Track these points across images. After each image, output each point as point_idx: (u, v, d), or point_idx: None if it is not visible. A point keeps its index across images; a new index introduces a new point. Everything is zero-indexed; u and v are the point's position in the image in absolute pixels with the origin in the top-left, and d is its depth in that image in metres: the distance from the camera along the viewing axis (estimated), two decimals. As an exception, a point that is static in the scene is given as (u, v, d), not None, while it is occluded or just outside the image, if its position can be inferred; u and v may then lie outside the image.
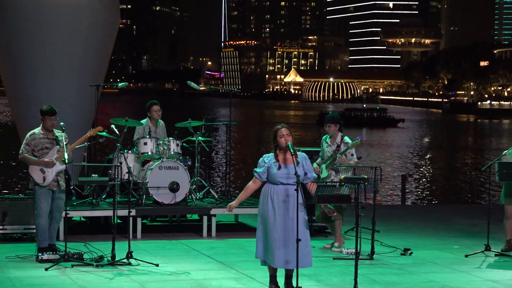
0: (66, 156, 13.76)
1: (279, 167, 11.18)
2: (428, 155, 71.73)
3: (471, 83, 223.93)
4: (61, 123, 13.97)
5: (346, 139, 15.28)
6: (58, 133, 14.01)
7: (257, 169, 11.39)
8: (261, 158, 11.45)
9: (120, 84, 20.36)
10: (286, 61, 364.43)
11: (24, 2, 20.17)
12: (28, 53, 20.25)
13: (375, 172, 14.53)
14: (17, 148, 15.48)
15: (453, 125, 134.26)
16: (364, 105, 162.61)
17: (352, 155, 15.24)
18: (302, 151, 12.71)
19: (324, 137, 15.51)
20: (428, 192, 44.23)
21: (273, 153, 11.37)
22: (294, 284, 11.37)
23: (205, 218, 16.78)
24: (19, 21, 20.24)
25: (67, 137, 14.07)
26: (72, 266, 13.47)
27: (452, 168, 60.27)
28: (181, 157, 17.00)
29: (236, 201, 11.72)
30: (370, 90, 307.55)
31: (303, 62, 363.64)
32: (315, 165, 15.07)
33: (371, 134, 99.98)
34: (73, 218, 16.32)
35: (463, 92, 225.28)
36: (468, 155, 72.60)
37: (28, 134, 14.04)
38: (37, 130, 13.99)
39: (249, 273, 13.09)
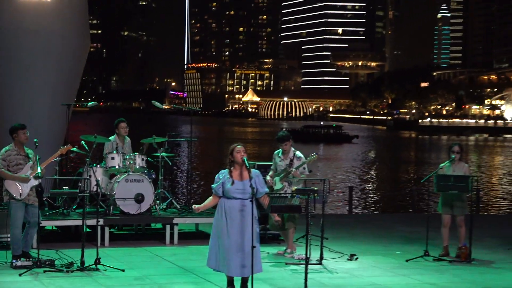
0: (39, 170, 13.72)
1: (233, 183, 11.24)
2: (374, 168, 72.00)
3: (413, 102, 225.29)
4: (35, 140, 13.91)
5: (298, 153, 15.36)
6: (28, 150, 13.98)
7: (213, 185, 11.44)
8: (217, 175, 11.50)
9: (90, 103, 20.39)
10: (244, 82, 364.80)
11: (2, 28, 20.10)
12: (5, 75, 20.16)
13: (324, 184, 14.59)
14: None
15: (396, 141, 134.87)
16: (322, 123, 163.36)
17: (304, 168, 15.28)
18: (258, 165, 12.78)
19: (276, 152, 15.55)
20: (373, 202, 44.39)
21: (227, 169, 11.42)
22: (249, 288, 11.42)
23: (168, 227, 16.77)
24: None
25: (32, 153, 14.05)
26: (44, 271, 13.41)
27: (395, 180, 60.50)
28: (146, 171, 16.98)
29: (202, 206, 11.74)
30: (321, 108, 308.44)
31: (259, 82, 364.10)
32: (268, 177, 15.11)
33: (328, 149, 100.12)
34: (45, 227, 16.23)
35: (406, 110, 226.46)
36: (410, 168, 72.94)
37: (3, 150, 13.87)
38: (9, 147, 13.85)
39: (208, 277, 13.08)
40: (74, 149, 16.05)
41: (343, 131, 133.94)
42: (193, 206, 11.84)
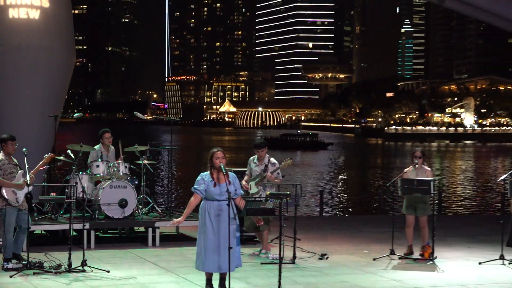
0: (28, 178, 13.69)
1: (214, 185, 11.26)
2: (343, 173, 72.10)
3: (379, 111, 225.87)
4: (23, 149, 13.88)
5: (272, 159, 15.38)
6: (14, 160, 13.99)
7: (197, 186, 11.43)
8: (199, 176, 11.50)
9: (76, 115, 20.38)
10: (221, 93, 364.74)
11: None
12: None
13: (296, 188, 14.60)
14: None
15: (364, 147, 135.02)
16: (299, 131, 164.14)
17: (278, 173, 15.30)
18: (234, 171, 12.80)
19: (251, 158, 15.56)
20: (342, 205, 44.44)
21: (208, 172, 11.46)
22: (227, 286, 11.42)
23: (150, 230, 16.73)
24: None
25: (23, 167, 14.06)
26: (34, 273, 13.36)
27: (362, 184, 60.63)
28: (129, 178, 16.95)
29: (183, 217, 11.71)
30: (293, 117, 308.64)
31: (235, 94, 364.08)
32: (243, 182, 15.12)
33: (304, 156, 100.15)
34: (34, 232, 16.17)
35: (372, 119, 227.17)
36: (377, 172, 73.10)
37: None
38: (1, 157, 13.84)
39: (188, 277, 13.07)
40: (61, 157, 16.01)
41: (319, 139, 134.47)
42: (172, 221, 11.86)
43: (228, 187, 11.14)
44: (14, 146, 13.84)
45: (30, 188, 14.02)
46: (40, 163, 14.73)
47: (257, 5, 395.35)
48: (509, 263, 14.97)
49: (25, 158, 14.04)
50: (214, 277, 11.62)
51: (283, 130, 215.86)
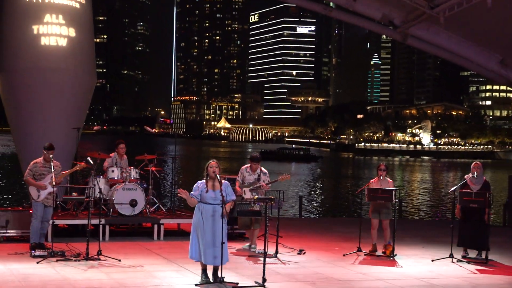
0: (53, 181, 13.90)
1: (207, 191, 11.41)
2: (319, 181, 72.12)
3: (351, 130, 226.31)
4: (50, 156, 14.12)
5: (264, 169, 15.55)
6: (54, 164, 14.19)
7: (193, 192, 11.64)
8: (196, 184, 11.67)
9: (96, 127, 20.35)
10: (218, 112, 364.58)
11: (28, 66, 20.04)
12: (29, 104, 20.10)
13: (279, 194, 14.60)
14: (18, 172, 15.48)
15: (337, 160, 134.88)
16: (293, 146, 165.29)
17: (268, 182, 15.42)
18: (228, 178, 12.88)
19: (244, 167, 15.63)
20: (318, 208, 44.43)
21: (204, 180, 11.59)
22: (219, 275, 11.47)
23: (155, 226, 16.71)
24: (24, 80, 20.09)
25: (60, 166, 14.42)
26: (57, 260, 13.35)
27: (335, 191, 60.63)
28: (138, 181, 16.94)
29: (186, 195, 11.66)
30: (279, 133, 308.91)
31: (230, 112, 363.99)
32: (237, 187, 15.14)
33: (298, 167, 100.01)
34: (58, 225, 16.13)
35: (345, 136, 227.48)
36: (348, 182, 73.13)
37: (32, 163, 14.45)
38: (39, 160, 14.29)
39: (187, 266, 13.05)
40: (80, 163, 16.00)
41: (311, 152, 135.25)
42: (179, 190, 11.85)
43: (222, 193, 11.35)
44: (48, 155, 14.08)
45: (55, 188, 14.16)
46: (71, 169, 15.12)
47: (250, 39, 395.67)
48: (457, 261, 15.02)
49: (51, 163, 14.17)
50: (208, 267, 11.70)
51: (269, 144, 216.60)
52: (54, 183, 14.05)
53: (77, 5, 20.77)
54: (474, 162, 15.90)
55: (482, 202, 14.99)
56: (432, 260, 15.08)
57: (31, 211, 14.86)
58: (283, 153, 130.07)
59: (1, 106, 21.29)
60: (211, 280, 11.70)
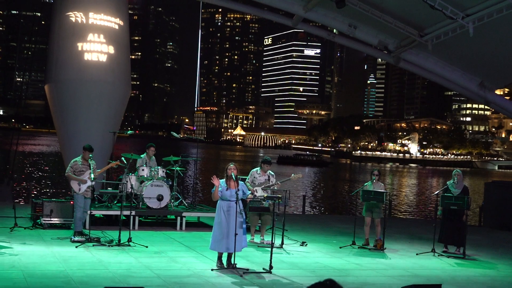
0: (92, 176, 13.97)
1: (227, 189, 11.49)
2: (320, 183, 72.01)
3: (349, 140, 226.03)
4: (90, 155, 14.26)
5: (271, 172, 15.52)
6: (91, 161, 14.27)
7: (219, 188, 11.77)
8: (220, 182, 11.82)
9: (129, 132, 20.51)
10: (235, 121, 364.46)
11: (72, 78, 20.14)
12: (72, 110, 20.19)
13: (285, 193, 14.60)
14: (62, 169, 15.52)
15: (337, 165, 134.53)
16: (307, 152, 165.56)
17: (282, 181, 15.48)
18: (242, 179, 12.94)
19: (255, 169, 15.64)
20: (319, 206, 44.36)
21: (224, 180, 11.69)
22: (233, 262, 11.53)
23: (178, 218, 16.74)
24: (69, 89, 20.20)
25: (96, 164, 14.37)
26: (93, 245, 13.42)
27: (334, 192, 60.52)
28: (165, 179, 16.96)
29: (217, 183, 11.79)
30: (286, 141, 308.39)
31: (245, 122, 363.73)
32: (249, 186, 15.13)
33: (311, 170, 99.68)
34: (95, 215, 16.18)
35: (344, 145, 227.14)
36: (346, 184, 72.98)
37: (72, 161, 14.59)
38: (79, 158, 14.45)
39: (205, 253, 13.07)
40: (114, 162, 16.06)
41: (323, 158, 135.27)
42: (214, 176, 11.90)
43: (237, 192, 11.43)
44: (88, 155, 14.25)
45: (93, 183, 14.29)
46: (107, 166, 15.23)
47: (263, 59, 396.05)
48: (439, 255, 15.01)
49: (90, 161, 14.27)
50: (223, 255, 11.73)
51: (278, 150, 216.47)
52: (92, 178, 14.16)
53: (116, 26, 20.88)
54: (455, 170, 15.93)
55: (461, 205, 15.01)
56: (417, 254, 15.05)
57: (71, 203, 14.95)
58: (299, 159, 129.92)
59: (49, 111, 21.41)
60: (225, 266, 11.74)
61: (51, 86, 20.71)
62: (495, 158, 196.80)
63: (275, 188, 15.32)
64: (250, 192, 12.68)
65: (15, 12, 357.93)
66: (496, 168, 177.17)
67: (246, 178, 15.54)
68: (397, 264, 13.73)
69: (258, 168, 15.61)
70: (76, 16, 20.35)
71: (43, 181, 49.31)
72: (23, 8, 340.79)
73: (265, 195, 14.76)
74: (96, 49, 20.33)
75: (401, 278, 11.96)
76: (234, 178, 11.70)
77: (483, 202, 25.29)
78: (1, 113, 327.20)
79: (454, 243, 15.51)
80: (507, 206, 22.16)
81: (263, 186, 15.25)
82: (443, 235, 15.58)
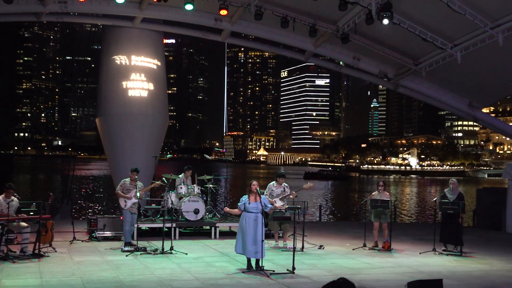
0: (138, 194, 14.04)
1: (249, 203, 11.56)
2: (334, 193, 71.65)
3: (357, 156, 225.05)
4: (136, 176, 14.35)
5: (285, 184, 15.42)
6: (138, 182, 14.36)
7: (239, 204, 11.88)
8: (241, 198, 11.88)
9: (168, 155, 20.68)
10: (258, 143, 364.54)
11: (119, 111, 20.32)
12: (120, 139, 20.35)
13: (304, 204, 14.55)
14: (113, 189, 15.62)
15: (341, 178, 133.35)
16: (330, 168, 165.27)
17: (296, 190, 15.42)
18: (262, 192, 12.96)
19: (271, 183, 15.51)
20: (333, 214, 44.10)
21: (247, 195, 11.74)
22: (260, 265, 11.50)
23: (213, 228, 16.74)
24: (116, 121, 20.40)
25: (142, 185, 14.42)
26: (141, 254, 13.46)
27: (346, 201, 60.17)
28: (200, 195, 16.98)
29: (229, 210, 12.38)
30: (303, 159, 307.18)
31: (267, 143, 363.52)
32: (268, 198, 15.08)
33: (334, 184, 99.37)
34: (141, 228, 16.22)
35: (352, 160, 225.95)
36: (355, 194, 72.51)
37: (122, 180, 14.71)
38: (127, 179, 14.48)
39: (236, 258, 13.03)
40: (156, 182, 16.11)
41: (343, 173, 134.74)
42: (225, 208, 12.10)
43: (261, 204, 11.57)
44: (134, 176, 14.33)
45: (139, 200, 14.38)
46: (149, 186, 15.28)
47: (281, 89, 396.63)
48: (439, 254, 14.86)
49: (136, 182, 14.34)
50: (252, 259, 11.73)
51: (296, 167, 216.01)
52: (138, 196, 14.22)
53: (155, 67, 21.08)
54: (451, 179, 15.83)
55: (457, 209, 14.93)
56: (420, 253, 14.91)
57: (121, 218, 15.00)
58: (323, 174, 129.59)
59: (100, 140, 21.61)
60: (254, 269, 11.71)
61: (101, 119, 20.90)
62: (485, 168, 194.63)
63: (291, 197, 15.24)
64: (271, 205, 12.66)
65: (69, 57, 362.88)
66: (486, 176, 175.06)
67: (264, 192, 15.56)
68: (403, 262, 13.60)
69: (274, 182, 15.56)
70: (120, 59, 20.58)
71: (97, 200, 49.57)
72: (76, 54, 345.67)
73: (286, 206, 14.75)
74: (138, 87, 20.52)
75: (406, 275, 11.84)
76: (259, 192, 11.76)
77: (475, 206, 25.03)
78: (60, 143, 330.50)
79: (452, 243, 15.35)
80: (496, 209, 21.96)
81: (280, 196, 15.19)
82: (442, 236, 15.44)
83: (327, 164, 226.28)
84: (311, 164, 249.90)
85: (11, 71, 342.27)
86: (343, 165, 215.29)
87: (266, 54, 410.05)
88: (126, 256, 13.21)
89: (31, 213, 13.26)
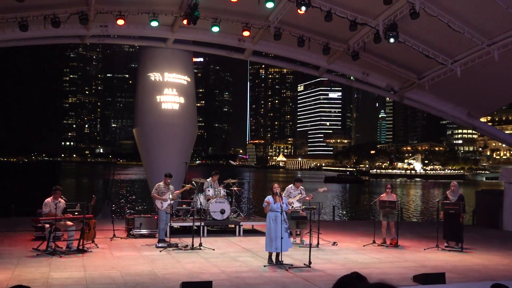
0: (171, 196, 14.07)
1: (274, 202, 11.49)
2: (346, 195, 71.31)
3: (367, 161, 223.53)
4: (169, 180, 14.40)
5: (302, 187, 15.39)
6: (171, 186, 14.38)
7: (264, 204, 11.77)
8: (266, 197, 11.86)
9: (197, 161, 20.61)
10: (278, 150, 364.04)
11: (154, 122, 20.44)
12: (154, 147, 20.43)
13: (319, 205, 14.49)
14: (148, 191, 15.65)
15: (357, 181, 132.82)
16: (348, 172, 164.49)
17: (312, 193, 15.36)
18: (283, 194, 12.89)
19: (289, 186, 15.50)
20: (345, 214, 43.85)
21: (271, 195, 11.69)
22: (280, 259, 11.46)
23: (237, 226, 16.73)
24: (151, 131, 20.50)
25: (173, 188, 14.49)
26: (173, 250, 13.47)
27: (357, 202, 59.83)
28: (226, 197, 16.99)
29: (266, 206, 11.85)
30: (318, 164, 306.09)
31: (286, 150, 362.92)
32: (289, 199, 15.06)
33: (351, 187, 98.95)
34: (174, 226, 16.26)
35: (363, 165, 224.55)
36: (365, 195, 72.05)
37: (156, 184, 14.70)
38: (161, 183, 14.49)
39: (259, 253, 13.03)
40: (187, 185, 16.14)
41: (360, 176, 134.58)
42: (266, 200, 11.85)
43: (282, 205, 11.41)
44: (168, 180, 14.31)
45: (172, 201, 14.39)
46: (181, 189, 15.33)
47: (298, 101, 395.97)
48: (442, 250, 14.70)
49: (169, 185, 14.38)
50: (273, 254, 11.67)
51: (312, 171, 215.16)
52: (171, 198, 14.24)
53: (185, 82, 21.18)
54: (452, 182, 15.69)
55: (458, 209, 14.78)
56: (424, 249, 14.75)
57: (156, 217, 15.04)
58: (342, 177, 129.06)
59: (137, 148, 21.73)
60: (274, 263, 11.67)
61: (138, 129, 21.05)
62: (483, 172, 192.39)
63: (308, 199, 15.18)
64: (289, 206, 12.68)
65: (109, 75, 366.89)
66: (484, 179, 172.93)
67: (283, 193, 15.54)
68: (409, 257, 13.46)
69: (291, 185, 15.54)
70: (155, 76, 20.72)
71: (134, 201, 49.84)
72: (116, 71, 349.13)
73: (303, 207, 14.71)
74: (170, 100, 20.64)
75: (412, 268, 11.72)
76: (279, 194, 11.75)
77: (475, 206, 24.74)
78: (101, 151, 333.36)
79: (453, 239, 15.17)
80: (494, 209, 21.71)
81: (297, 198, 15.15)
82: (444, 233, 15.28)
83: (340, 169, 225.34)
84: (325, 169, 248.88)
85: (58, 88, 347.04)
86: (354, 169, 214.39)
87: (285, 70, 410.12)
88: (160, 251, 13.25)
89: (76, 213, 13.38)
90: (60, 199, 13.07)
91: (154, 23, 17.48)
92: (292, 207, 14.70)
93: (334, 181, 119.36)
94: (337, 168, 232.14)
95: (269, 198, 11.79)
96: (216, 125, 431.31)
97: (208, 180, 17.33)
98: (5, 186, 60.65)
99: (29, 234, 15.17)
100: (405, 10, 16.29)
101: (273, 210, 11.64)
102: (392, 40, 16.55)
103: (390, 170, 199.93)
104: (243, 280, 10.21)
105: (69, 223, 13.14)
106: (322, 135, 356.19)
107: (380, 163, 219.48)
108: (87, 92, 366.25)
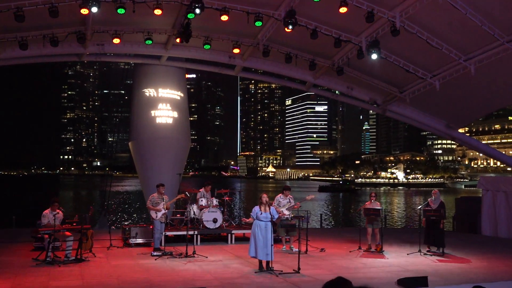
0: (164, 207, 14.01)
1: (261, 213, 11.47)
2: (332, 203, 71.30)
3: (352, 171, 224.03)
4: (163, 191, 14.31)
5: (290, 195, 15.36)
6: (165, 196, 14.31)
7: (252, 214, 11.71)
8: (253, 208, 11.80)
9: (190, 173, 20.47)
10: (267, 162, 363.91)
11: (148, 136, 20.38)
12: (149, 160, 20.37)
13: (307, 213, 14.48)
14: (144, 202, 15.57)
15: (350, 191, 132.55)
16: (341, 181, 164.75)
17: (300, 201, 15.34)
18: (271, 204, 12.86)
19: (278, 196, 15.46)
20: (332, 221, 43.84)
21: (258, 206, 11.67)
22: (270, 266, 11.40)
23: (229, 234, 16.65)
24: (146, 144, 20.42)
25: (168, 199, 14.39)
26: (168, 257, 13.37)
27: (343, 210, 59.84)
28: (218, 207, 16.93)
29: (248, 220, 12.23)
30: (306, 174, 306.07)
31: (275, 162, 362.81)
32: (275, 207, 15.02)
33: (344, 196, 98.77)
34: (168, 235, 16.16)
35: (348, 175, 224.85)
36: (351, 203, 72.06)
37: (151, 196, 14.52)
38: (155, 194, 14.38)
39: (250, 260, 12.93)
40: (181, 194, 16.07)
41: (351, 186, 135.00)
42: (242, 219, 12.06)
43: (270, 214, 11.43)
44: (161, 190, 14.20)
45: (166, 211, 14.32)
46: (174, 199, 15.21)
47: (286, 115, 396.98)
48: (424, 254, 14.69)
49: (163, 196, 14.30)
50: (262, 261, 11.63)
51: (300, 181, 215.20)
52: (165, 208, 14.17)
53: (178, 98, 21.17)
54: (433, 190, 15.75)
55: (439, 215, 14.82)
56: (407, 254, 14.75)
57: (151, 227, 14.94)
58: (334, 187, 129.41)
59: (133, 161, 21.63)
60: (265, 269, 11.62)
61: (134, 142, 20.98)
62: (462, 180, 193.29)
63: (296, 207, 15.14)
64: (278, 215, 12.64)
65: (106, 91, 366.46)
66: (463, 187, 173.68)
67: (271, 203, 15.49)
68: (393, 262, 13.45)
69: (281, 194, 15.52)
70: (149, 92, 20.71)
71: (130, 211, 49.56)
72: (112, 88, 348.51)
73: (292, 215, 14.67)
74: (164, 115, 20.61)
75: (396, 273, 11.71)
76: (268, 203, 11.73)
77: (455, 212, 24.82)
78: (99, 164, 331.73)
79: (435, 245, 15.19)
80: (473, 215, 21.79)
81: (286, 206, 15.13)
82: (426, 239, 15.30)
83: (327, 178, 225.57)
84: (313, 179, 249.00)
85: (57, 103, 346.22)
86: (339, 179, 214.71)
87: (273, 85, 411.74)
88: (156, 259, 13.16)
89: (74, 224, 13.27)
90: (58, 210, 12.97)
91: (149, 42, 17.49)
92: (283, 215, 14.67)
93: (328, 190, 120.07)
94: (324, 178, 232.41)
95: (256, 208, 11.77)
96: (208, 138, 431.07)
97: (201, 190, 17.28)
98: (6, 198, 60.14)
99: (29, 245, 15.04)
100: (386, 27, 16.43)
101: (261, 220, 11.61)
102: (374, 56, 16.67)
103: (374, 179, 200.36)
104: (235, 286, 10.16)
105: (68, 233, 13.03)
106: (309, 147, 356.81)
107: (365, 173, 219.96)
108: (84, 108, 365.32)
